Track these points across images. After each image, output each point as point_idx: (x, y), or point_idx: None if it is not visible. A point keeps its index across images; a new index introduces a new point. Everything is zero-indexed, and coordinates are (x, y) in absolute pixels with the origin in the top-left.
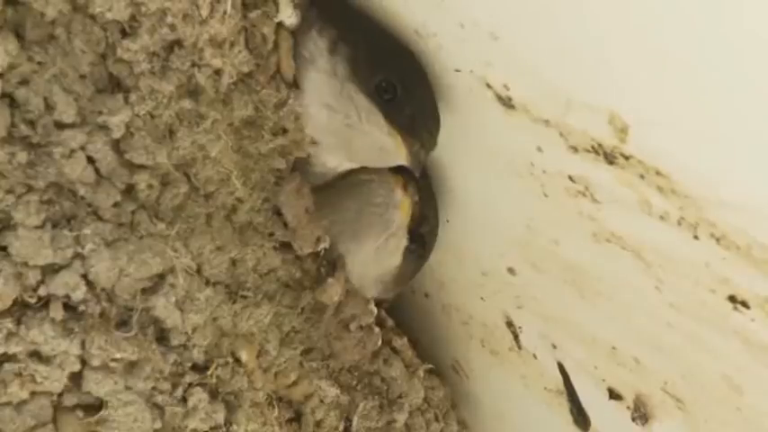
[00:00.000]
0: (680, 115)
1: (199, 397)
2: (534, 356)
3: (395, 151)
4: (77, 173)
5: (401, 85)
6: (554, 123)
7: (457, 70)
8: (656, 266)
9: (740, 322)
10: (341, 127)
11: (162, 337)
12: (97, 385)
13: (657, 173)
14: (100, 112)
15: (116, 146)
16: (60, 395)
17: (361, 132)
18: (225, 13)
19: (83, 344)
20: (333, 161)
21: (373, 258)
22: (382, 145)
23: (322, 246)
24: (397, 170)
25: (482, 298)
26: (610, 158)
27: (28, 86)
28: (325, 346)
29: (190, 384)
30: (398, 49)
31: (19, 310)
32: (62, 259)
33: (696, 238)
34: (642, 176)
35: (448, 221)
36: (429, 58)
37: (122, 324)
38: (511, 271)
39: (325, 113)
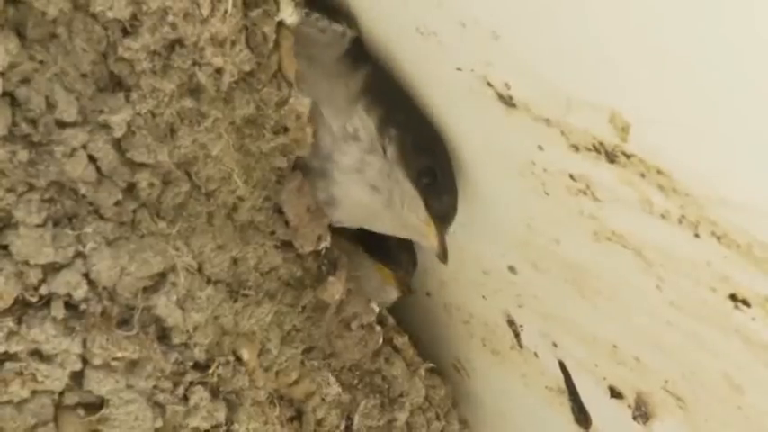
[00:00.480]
0: (681, 114)
1: (200, 396)
2: (535, 355)
3: (426, 238)
4: (78, 171)
5: (440, 171)
6: (555, 122)
7: (458, 69)
8: (657, 265)
9: (741, 321)
10: (379, 207)
11: (163, 335)
12: (98, 384)
13: (658, 171)
14: (101, 111)
15: (117, 144)
16: (61, 394)
17: (397, 215)
18: (226, 11)
19: (84, 342)
20: (347, 222)
21: None
22: (417, 229)
23: (323, 244)
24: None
25: (483, 297)
26: (611, 157)
27: (29, 85)
28: (326, 345)
29: (191, 383)
30: (435, 132)
31: (20, 308)
32: (63, 258)
33: (697, 236)
34: (643, 175)
35: None
36: (429, 57)
37: (124, 323)
38: (512, 269)
39: (367, 193)
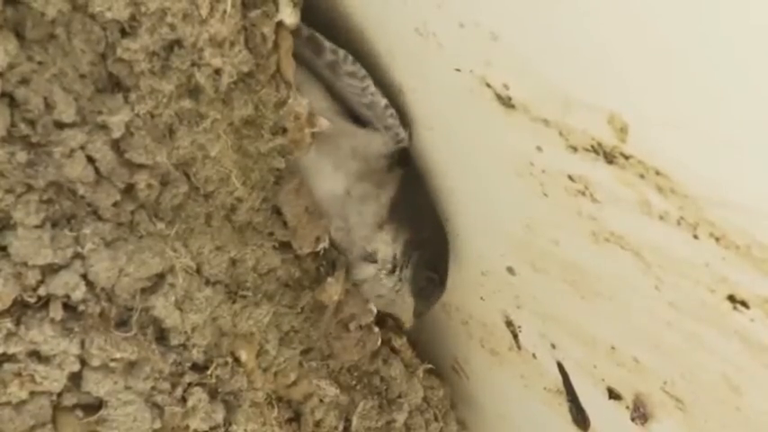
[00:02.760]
0: (679, 115)
1: (198, 397)
2: (534, 356)
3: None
4: (77, 172)
5: (441, 284)
6: (554, 123)
7: (457, 70)
8: (656, 266)
9: (740, 322)
10: (377, 302)
11: (161, 336)
12: (97, 385)
13: (657, 172)
14: (100, 112)
15: (116, 145)
16: (60, 395)
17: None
18: (225, 12)
19: (82, 344)
20: None
21: None
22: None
23: (321, 245)
24: None
25: (482, 298)
26: (609, 158)
27: (28, 86)
28: (324, 346)
29: (189, 384)
30: (445, 244)
31: (18, 309)
32: (62, 259)
33: (696, 237)
34: (642, 176)
35: (447, 221)
36: (429, 58)
37: (122, 324)
38: (510, 270)
39: (373, 300)
